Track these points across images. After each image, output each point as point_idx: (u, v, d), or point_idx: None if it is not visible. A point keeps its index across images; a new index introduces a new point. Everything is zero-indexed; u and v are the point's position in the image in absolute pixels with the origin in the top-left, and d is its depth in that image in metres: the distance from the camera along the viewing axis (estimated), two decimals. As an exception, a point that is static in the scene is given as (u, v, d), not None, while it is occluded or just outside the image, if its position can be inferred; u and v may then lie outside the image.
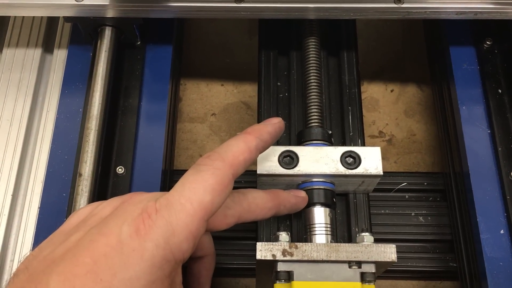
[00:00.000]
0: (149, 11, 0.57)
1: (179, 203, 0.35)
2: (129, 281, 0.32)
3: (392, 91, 0.82)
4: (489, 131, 0.60)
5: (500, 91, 0.62)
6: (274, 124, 0.45)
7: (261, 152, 0.43)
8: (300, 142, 0.55)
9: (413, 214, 0.65)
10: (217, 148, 0.40)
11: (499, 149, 0.58)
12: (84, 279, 0.31)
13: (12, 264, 0.57)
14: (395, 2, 0.56)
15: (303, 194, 0.51)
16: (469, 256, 0.58)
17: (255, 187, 0.56)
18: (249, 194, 0.46)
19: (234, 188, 0.41)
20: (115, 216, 0.35)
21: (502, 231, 0.55)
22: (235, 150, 0.40)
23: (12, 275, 0.35)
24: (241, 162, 0.39)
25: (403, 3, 0.56)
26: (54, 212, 0.56)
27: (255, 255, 0.46)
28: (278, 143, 0.59)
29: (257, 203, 0.46)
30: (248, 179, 0.63)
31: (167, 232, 0.34)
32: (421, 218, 0.65)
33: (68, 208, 0.55)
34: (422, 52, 0.82)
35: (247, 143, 0.41)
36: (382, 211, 0.65)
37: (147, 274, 0.32)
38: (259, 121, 0.61)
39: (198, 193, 0.36)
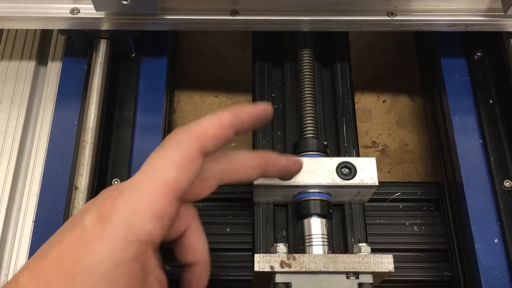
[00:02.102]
0: (145, 24, 0.57)
1: (141, 182, 0.34)
2: (91, 266, 0.31)
3: (384, 101, 0.83)
4: (481, 141, 0.61)
5: (491, 101, 0.63)
6: (258, 106, 0.41)
7: (238, 132, 0.40)
8: (296, 153, 0.56)
9: (407, 223, 0.66)
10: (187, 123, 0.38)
11: (492, 158, 0.59)
12: (49, 270, 0.31)
13: (7, 279, 0.56)
14: (388, 15, 0.57)
15: (296, 158, 0.49)
16: (464, 265, 0.59)
17: (251, 197, 0.56)
18: (231, 153, 0.42)
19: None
20: (83, 209, 0.35)
21: (496, 240, 0.55)
22: (205, 124, 0.37)
23: None
24: (210, 136, 0.37)
25: (395, 15, 0.57)
26: (49, 225, 0.55)
27: (251, 267, 0.46)
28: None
29: (240, 161, 0.42)
30: (244, 189, 0.63)
31: (127, 213, 0.33)
32: (415, 227, 0.65)
33: (64, 221, 0.54)
34: (413, 63, 0.83)
35: (220, 118, 0.38)
36: (377, 221, 0.66)
37: (109, 257, 0.32)
38: (253, 134, 0.61)
39: (160, 169, 0.34)
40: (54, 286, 0.31)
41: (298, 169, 0.49)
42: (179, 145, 0.35)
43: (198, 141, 0.36)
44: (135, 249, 0.33)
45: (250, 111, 0.40)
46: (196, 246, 0.41)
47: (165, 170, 0.34)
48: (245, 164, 0.42)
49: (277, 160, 0.45)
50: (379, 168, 0.77)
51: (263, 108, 0.42)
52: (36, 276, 0.32)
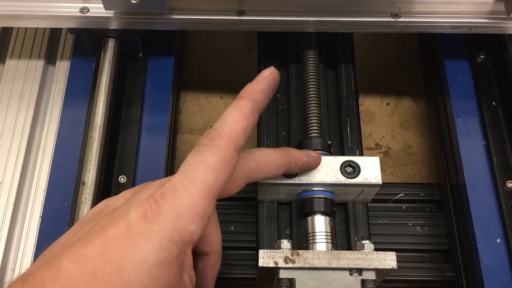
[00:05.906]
0: (152, 23, 0.58)
1: (182, 186, 0.35)
2: (137, 262, 0.33)
3: (388, 104, 0.84)
4: (484, 142, 0.61)
5: (494, 103, 0.63)
6: (266, 78, 0.42)
7: (259, 113, 0.41)
8: (300, 152, 0.56)
9: (410, 224, 0.66)
10: (214, 124, 0.39)
11: (494, 159, 0.59)
12: (94, 259, 0.32)
13: (13, 273, 0.57)
14: (392, 17, 0.58)
15: (315, 153, 0.50)
16: (466, 266, 0.59)
17: (255, 197, 0.57)
18: (257, 153, 0.45)
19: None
20: (125, 204, 0.37)
21: (498, 240, 0.55)
22: (231, 123, 0.38)
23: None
24: (240, 132, 0.38)
25: (399, 17, 0.58)
26: (56, 221, 0.56)
27: (255, 265, 0.46)
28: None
29: (266, 161, 0.45)
30: (249, 188, 0.63)
31: (172, 215, 0.34)
32: (418, 228, 0.66)
33: (71, 216, 0.55)
34: (416, 67, 0.84)
35: (241, 110, 0.39)
36: (380, 221, 0.66)
37: (155, 255, 0.33)
38: (258, 134, 0.62)
39: (200, 174, 0.36)
40: (99, 275, 0.32)
41: (317, 164, 0.50)
42: (215, 149, 0.37)
43: (231, 141, 0.38)
44: (178, 249, 0.34)
45: (262, 87, 0.41)
46: (213, 237, 0.44)
47: (205, 174, 0.36)
48: (271, 163, 0.45)
49: (299, 157, 0.48)
50: (382, 170, 0.78)
51: (271, 77, 0.42)
52: (80, 263, 0.32)
